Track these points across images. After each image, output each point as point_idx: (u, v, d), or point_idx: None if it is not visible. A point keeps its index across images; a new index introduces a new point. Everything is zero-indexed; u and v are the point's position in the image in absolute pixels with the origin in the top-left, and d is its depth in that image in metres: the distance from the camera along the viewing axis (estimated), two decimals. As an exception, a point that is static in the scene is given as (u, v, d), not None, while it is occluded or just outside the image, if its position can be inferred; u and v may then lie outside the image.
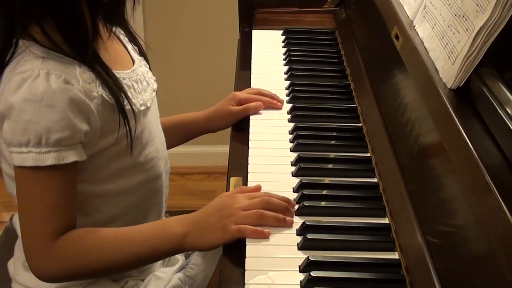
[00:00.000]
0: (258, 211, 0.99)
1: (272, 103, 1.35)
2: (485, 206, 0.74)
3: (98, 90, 0.99)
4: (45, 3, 0.95)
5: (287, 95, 1.41)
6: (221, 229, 0.98)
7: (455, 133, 0.85)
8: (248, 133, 1.27)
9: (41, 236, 0.98)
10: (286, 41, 1.65)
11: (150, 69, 1.19)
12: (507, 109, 0.82)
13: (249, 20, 1.75)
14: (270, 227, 0.99)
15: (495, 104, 0.84)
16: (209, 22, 2.49)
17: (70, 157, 0.97)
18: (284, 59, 1.57)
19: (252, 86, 1.44)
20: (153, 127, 1.13)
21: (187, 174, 2.67)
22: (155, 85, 1.17)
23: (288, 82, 1.45)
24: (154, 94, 1.16)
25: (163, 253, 1.04)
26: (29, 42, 0.97)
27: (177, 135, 1.38)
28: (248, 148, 1.22)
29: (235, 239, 0.98)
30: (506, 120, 0.80)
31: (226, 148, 1.27)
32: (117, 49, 1.11)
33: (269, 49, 1.63)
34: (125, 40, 1.17)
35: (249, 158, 1.19)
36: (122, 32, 1.16)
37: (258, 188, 1.06)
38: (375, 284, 0.91)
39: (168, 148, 1.38)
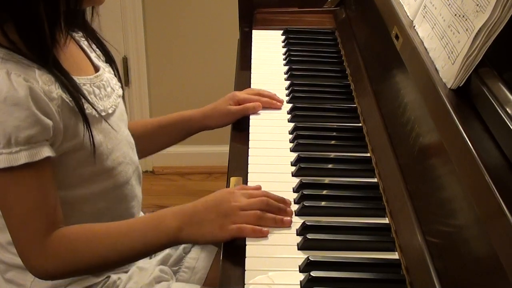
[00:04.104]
0: (256, 212, 0.99)
1: (271, 103, 1.35)
2: (485, 206, 0.74)
3: (58, 92, 0.99)
4: (4, 7, 0.95)
5: (287, 95, 1.41)
6: (218, 227, 0.98)
7: (455, 133, 0.85)
8: (248, 133, 1.27)
9: (32, 235, 0.98)
10: (286, 41, 1.65)
11: (116, 75, 1.19)
12: (507, 109, 0.82)
13: (249, 20, 1.75)
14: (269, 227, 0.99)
15: (495, 104, 0.84)
16: (209, 22, 2.49)
17: (42, 153, 0.96)
18: (284, 59, 1.57)
19: (252, 86, 1.44)
20: (118, 133, 1.13)
21: (187, 174, 2.67)
22: (120, 91, 1.17)
23: (288, 82, 1.45)
24: (119, 100, 1.16)
25: (159, 247, 1.04)
26: None
27: (174, 133, 1.37)
28: (248, 148, 1.22)
29: (233, 238, 0.98)
30: (506, 120, 0.80)
31: (226, 148, 1.27)
32: (76, 55, 1.11)
33: (269, 49, 1.63)
34: (86, 46, 1.16)
35: (249, 158, 1.19)
36: (83, 38, 1.16)
37: (258, 188, 1.06)
38: (375, 284, 0.91)
39: (167, 146, 1.38)
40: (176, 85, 2.59)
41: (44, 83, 0.98)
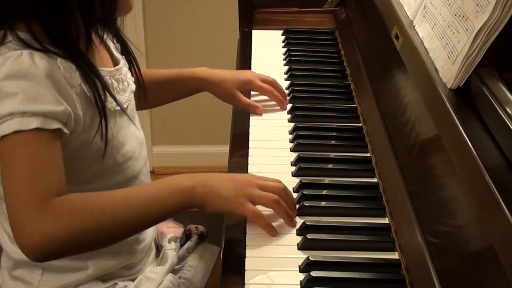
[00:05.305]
0: (275, 196, 0.98)
1: (280, 101, 1.35)
2: (485, 206, 0.74)
3: (78, 80, 1.00)
4: (36, 9, 0.96)
5: (287, 95, 1.41)
6: (233, 198, 0.96)
7: (455, 133, 0.85)
8: (248, 133, 1.27)
9: (33, 198, 0.91)
10: (286, 41, 1.65)
11: (130, 69, 1.19)
12: (507, 109, 0.82)
13: (249, 20, 1.75)
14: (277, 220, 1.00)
15: (495, 104, 0.84)
16: (209, 22, 2.49)
17: (55, 124, 0.94)
18: (284, 59, 1.57)
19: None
20: (129, 127, 1.13)
21: (187, 174, 2.67)
22: (133, 87, 1.17)
23: (288, 82, 1.45)
24: (132, 95, 1.16)
25: (170, 206, 0.97)
26: (13, 36, 0.98)
27: (182, 89, 1.39)
28: (248, 148, 1.22)
29: (241, 216, 0.98)
30: (506, 120, 0.80)
31: (226, 148, 1.27)
32: (98, 47, 1.11)
33: (269, 49, 1.63)
34: (107, 38, 1.16)
35: (249, 158, 1.19)
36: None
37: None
38: (375, 284, 0.91)
39: (173, 100, 1.42)
40: (176, 85, 2.59)
41: (65, 69, 0.98)
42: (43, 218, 0.90)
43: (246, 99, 1.35)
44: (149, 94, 1.26)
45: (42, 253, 0.92)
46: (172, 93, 1.40)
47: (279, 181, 1.03)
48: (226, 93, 1.35)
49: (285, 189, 1.02)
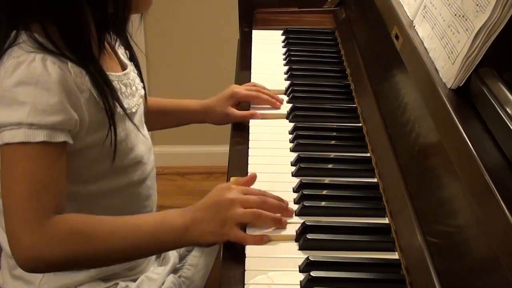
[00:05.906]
0: (256, 211, 0.99)
1: (270, 101, 1.36)
2: (485, 206, 0.74)
3: (87, 85, 1.00)
4: (48, 9, 0.97)
5: (287, 95, 1.41)
6: (219, 228, 0.97)
7: (455, 133, 0.85)
8: (248, 133, 1.28)
9: (32, 213, 0.92)
10: (286, 41, 1.65)
11: (139, 75, 1.19)
12: (507, 109, 0.82)
13: (249, 20, 1.75)
14: (268, 228, 0.99)
15: (495, 104, 0.84)
16: (209, 22, 2.49)
17: (61, 137, 0.95)
18: (284, 59, 1.57)
19: (252, 86, 1.44)
20: (138, 132, 1.13)
21: (187, 174, 2.67)
22: (142, 92, 1.18)
23: (288, 82, 1.45)
24: (141, 100, 1.16)
25: (165, 244, 1.00)
26: (27, 36, 0.98)
27: (172, 120, 1.42)
28: (248, 148, 1.22)
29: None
30: (506, 120, 0.80)
31: (226, 148, 1.27)
32: (107, 52, 1.11)
33: (269, 49, 1.63)
34: (118, 46, 1.17)
35: (249, 158, 1.19)
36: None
37: (253, 177, 1.05)
38: (375, 284, 0.91)
39: (163, 128, 1.44)
40: (176, 85, 2.59)
41: (75, 74, 0.98)
42: (39, 236, 0.93)
43: (240, 112, 1.35)
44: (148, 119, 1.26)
45: (33, 268, 0.97)
46: (168, 123, 1.44)
47: (259, 191, 1.02)
48: (221, 116, 1.36)
49: (264, 199, 1.00)
